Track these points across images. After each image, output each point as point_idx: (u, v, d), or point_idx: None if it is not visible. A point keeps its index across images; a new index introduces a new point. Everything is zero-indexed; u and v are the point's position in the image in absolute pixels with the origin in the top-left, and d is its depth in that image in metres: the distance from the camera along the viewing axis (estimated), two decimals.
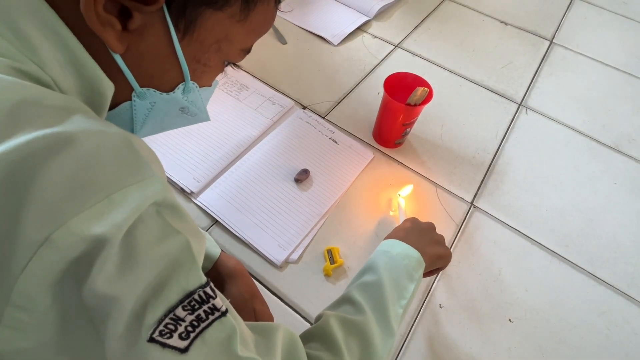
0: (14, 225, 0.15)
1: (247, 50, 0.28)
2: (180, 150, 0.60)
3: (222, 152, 0.61)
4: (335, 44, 0.84)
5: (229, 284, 0.42)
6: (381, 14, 0.93)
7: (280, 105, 0.69)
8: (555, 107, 0.78)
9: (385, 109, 0.61)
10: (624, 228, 0.61)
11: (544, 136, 0.73)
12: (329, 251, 0.52)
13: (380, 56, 0.84)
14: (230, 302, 0.38)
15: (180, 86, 0.26)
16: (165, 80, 0.25)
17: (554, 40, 0.95)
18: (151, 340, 0.17)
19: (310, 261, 0.52)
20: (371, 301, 0.32)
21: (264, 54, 0.80)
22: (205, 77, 0.28)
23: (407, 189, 0.58)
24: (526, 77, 0.84)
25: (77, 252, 0.15)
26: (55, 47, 0.19)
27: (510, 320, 0.50)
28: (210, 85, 0.30)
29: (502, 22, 0.98)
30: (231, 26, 0.24)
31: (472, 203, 0.61)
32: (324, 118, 0.69)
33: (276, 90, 0.73)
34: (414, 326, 0.49)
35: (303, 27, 0.87)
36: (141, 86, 0.24)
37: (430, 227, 0.47)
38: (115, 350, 0.17)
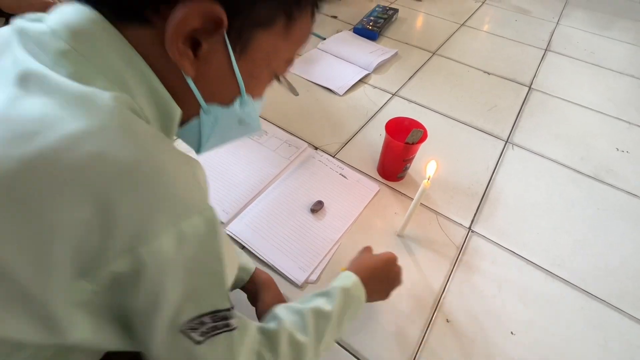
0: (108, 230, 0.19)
1: (291, 61, 0.31)
2: (212, 186, 0.69)
3: (247, 187, 0.70)
4: (341, 94, 0.97)
5: (263, 292, 0.49)
6: (379, 68, 1.08)
7: (296, 147, 0.80)
8: (538, 143, 0.88)
9: (387, 147, 0.71)
10: (611, 248, 0.67)
11: (530, 168, 0.82)
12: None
13: (380, 103, 0.96)
14: (264, 306, 0.44)
15: (238, 100, 0.30)
16: (225, 95, 0.29)
17: (532, 86, 1.08)
18: (182, 331, 0.24)
19: (328, 281, 0.58)
20: (316, 329, 0.36)
21: (280, 103, 0.92)
22: (257, 89, 0.31)
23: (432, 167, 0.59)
24: (510, 118, 0.95)
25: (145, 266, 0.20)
26: (142, 83, 0.24)
27: (512, 332, 0.55)
28: (261, 97, 0.33)
29: (484, 72, 1.12)
30: (277, 41, 0.27)
31: (469, 228, 0.68)
32: (334, 157, 0.79)
33: (291, 134, 0.83)
34: (423, 340, 0.53)
35: (312, 80, 1.01)
36: (206, 103, 0.28)
37: (393, 277, 0.51)
38: (157, 335, 0.23)
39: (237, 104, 0.30)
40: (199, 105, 0.28)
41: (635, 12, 1.65)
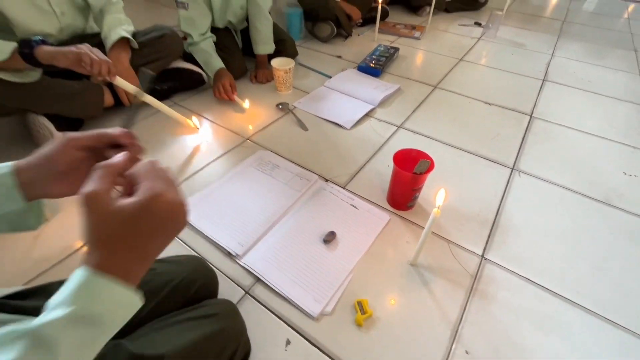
0: None
1: None
2: (226, 220, 0.71)
3: (261, 220, 0.72)
4: (348, 128, 1.01)
5: None
6: (384, 102, 1.13)
7: (307, 180, 0.83)
8: (544, 169, 0.89)
9: (396, 178, 0.73)
10: (627, 273, 0.66)
11: (539, 194, 0.83)
12: (359, 303, 0.58)
13: (386, 135, 1.00)
14: None
15: None
16: None
17: (533, 115, 1.11)
18: None
19: (343, 312, 0.58)
20: None
21: (290, 138, 0.97)
22: None
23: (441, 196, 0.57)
24: (514, 146, 0.98)
25: None
26: None
27: None
28: None
29: (485, 102, 1.17)
30: None
31: (482, 256, 0.68)
32: (344, 188, 0.82)
33: (302, 167, 0.87)
34: None
35: (320, 116, 1.06)
36: None
37: (169, 217, 0.24)
38: None
39: None
40: None
41: (626, 41, 1.72)
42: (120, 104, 1.00)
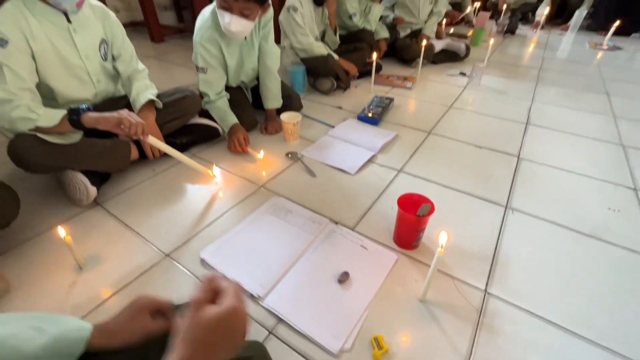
0: None
1: None
2: (247, 263, 0.77)
3: (280, 263, 0.78)
4: (353, 173, 1.11)
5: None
6: (383, 149, 1.24)
7: (319, 223, 0.90)
8: (535, 207, 0.97)
9: (401, 220, 0.80)
10: (623, 303, 0.71)
11: (533, 230, 0.90)
12: (376, 339, 0.62)
13: (388, 179, 1.09)
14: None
15: None
16: None
17: (520, 156, 1.22)
18: None
19: (361, 348, 0.62)
20: None
21: (300, 185, 1.05)
22: None
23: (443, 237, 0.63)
24: (505, 186, 1.06)
25: None
26: None
27: None
28: None
29: (476, 146, 1.28)
30: None
31: (485, 290, 0.73)
32: (353, 230, 0.89)
33: (313, 211, 0.94)
34: None
35: (326, 163, 1.16)
36: None
37: (236, 331, 0.29)
38: None
39: None
40: None
41: (598, 86, 1.90)
42: (144, 157, 1.10)
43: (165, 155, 1.11)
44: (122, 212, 0.94)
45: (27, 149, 0.83)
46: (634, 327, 0.67)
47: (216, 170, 1.06)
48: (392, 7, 2.28)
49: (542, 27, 3.26)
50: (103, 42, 1.01)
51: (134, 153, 1.07)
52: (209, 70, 1.19)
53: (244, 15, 1.04)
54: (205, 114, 1.27)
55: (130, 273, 0.76)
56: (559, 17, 3.44)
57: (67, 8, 0.86)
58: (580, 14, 3.08)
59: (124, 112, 0.87)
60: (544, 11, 3.28)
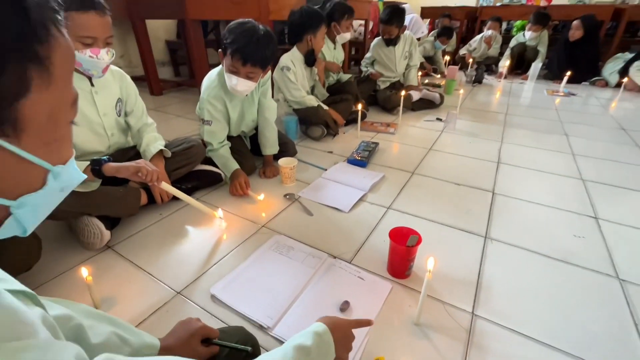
0: None
1: (75, 98, 0.28)
2: (255, 297, 0.83)
3: (285, 295, 0.84)
4: (346, 211, 1.21)
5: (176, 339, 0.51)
6: (373, 188, 1.37)
7: (319, 258, 0.98)
8: (511, 236, 1.09)
9: (393, 251, 0.90)
10: (594, 317, 0.80)
11: (511, 257, 1.00)
12: None
13: (379, 216, 1.20)
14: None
15: (49, 176, 0.27)
16: (32, 181, 0.26)
17: (494, 192, 1.36)
18: None
19: None
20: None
21: (299, 223, 1.14)
22: (63, 149, 0.29)
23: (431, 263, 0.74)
24: (484, 218, 1.19)
25: None
26: None
27: None
28: (71, 152, 0.30)
29: (455, 183, 1.42)
30: (48, 95, 0.24)
31: (472, 312, 0.81)
32: (350, 263, 0.97)
33: (313, 247, 1.03)
34: None
35: (322, 202, 1.27)
36: (14, 199, 0.25)
37: (350, 339, 0.55)
38: None
39: (50, 179, 0.28)
40: (6, 207, 0.26)
41: (557, 128, 2.14)
42: (152, 202, 1.18)
43: (171, 200, 1.19)
44: (133, 254, 1.00)
45: None
46: (603, 338, 0.75)
47: (220, 212, 1.15)
48: (372, 63, 2.57)
49: (505, 77, 3.66)
50: (119, 100, 1.13)
51: (144, 198, 1.16)
52: (213, 123, 1.32)
53: (249, 77, 1.20)
54: (208, 160, 1.38)
55: (145, 311, 0.81)
56: (519, 68, 3.88)
57: (93, 74, 0.99)
58: (536, 66, 3.50)
59: (142, 162, 0.97)
60: (505, 63, 3.71)
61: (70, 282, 0.88)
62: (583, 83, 3.42)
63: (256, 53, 1.15)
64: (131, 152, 1.22)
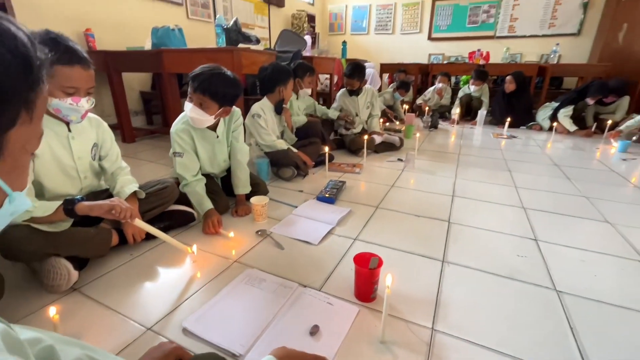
0: None
1: (41, 135, 0.33)
2: (227, 327, 0.85)
3: (257, 324, 0.87)
4: (316, 243, 1.28)
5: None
6: (340, 222, 1.46)
7: (290, 288, 1.02)
8: (464, 259, 1.20)
9: (358, 275, 0.97)
10: (538, 325, 0.90)
11: (464, 277, 1.10)
12: None
13: (346, 246, 1.27)
14: None
15: (6, 199, 0.31)
16: None
17: (450, 221, 1.50)
18: None
19: None
20: None
21: (271, 257, 1.19)
22: (23, 177, 0.33)
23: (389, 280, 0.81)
24: (441, 244, 1.30)
25: None
26: None
27: None
28: (27, 182, 0.34)
29: (415, 215, 1.55)
30: (27, 128, 0.29)
31: (432, 328, 0.88)
32: (319, 290, 1.02)
33: (284, 278, 1.07)
34: None
35: (292, 237, 1.33)
36: None
37: None
38: None
39: (6, 203, 0.32)
40: None
41: (502, 165, 2.41)
42: (124, 243, 1.18)
43: (143, 240, 1.21)
44: (101, 295, 0.99)
45: (20, 239, 0.91)
46: (546, 341, 0.84)
47: (195, 248, 1.17)
48: (340, 110, 2.82)
49: (457, 123, 4.09)
50: (95, 145, 1.19)
51: (115, 239, 1.16)
52: (184, 155, 1.40)
53: (202, 107, 1.32)
54: (181, 200, 1.42)
55: (114, 349, 0.80)
56: (468, 115, 4.37)
57: (72, 119, 1.05)
58: (482, 113, 3.97)
59: (116, 199, 1.01)
60: (456, 111, 4.17)
61: (35, 325, 0.86)
62: (521, 127, 3.90)
63: (206, 83, 1.29)
64: (103, 195, 1.24)
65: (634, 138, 2.98)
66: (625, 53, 4.50)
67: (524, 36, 5.36)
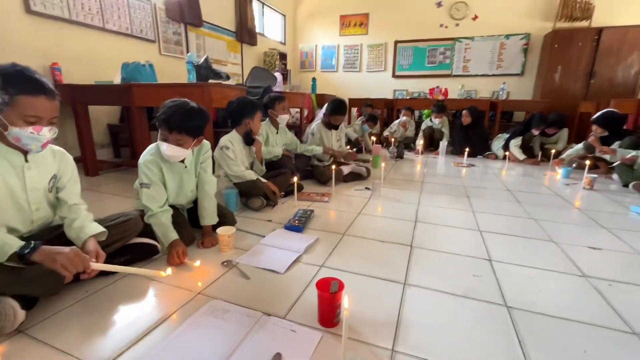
0: None
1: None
2: (190, 358, 0.83)
3: (219, 354, 0.85)
4: (282, 272, 1.29)
5: None
6: (308, 250, 1.48)
7: (254, 317, 1.02)
8: (425, 280, 1.25)
9: (320, 300, 0.99)
10: (492, 339, 0.95)
11: (425, 298, 1.15)
12: None
13: (312, 273, 1.29)
14: None
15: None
16: None
17: (412, 245, 1.57)
18: None
19: None
20: None
21: (236, 287, 1.19)
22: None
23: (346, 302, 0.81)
24: (403, 268, 1.35)
25: None
26: None
27: None
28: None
29: (380, 241, 1.61)
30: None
31: (392, 349, 0.91)
32: (284, 318, 1.02)
33: (248, 308, 1.07)
34: None
35: (259, 266, 1.33)
36: None
37: None
38: None
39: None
40: None
41: (462, 191, 2.57)
42: (78, 279, 1.13)
43: (100, 275, 1.17)
44: (51, 336, 0.93)
45: None
46: (497, 354, 0.89)
47: (169, 271, 1.14)
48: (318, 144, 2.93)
49: (422, 153, 4.34)
50: (54, 177, 1.16)
51: (68, 277, 1.11)
52: (152, 186, 1.39)
53: (179, 144, 1.35)
54: (144, 233, 1.40)
55: None
56: (431, 145, 4.66)
57: (32, 149, 1.02)
58: (443, 144, 4.25)
59: (71, 253, 0.96)
60: (420, 142, 4.44)
61: None
62: (479, 156, 4.20)
63: (182, 122, 1.34)
64: (56, 232, 1.20)
65: (574, 165, 3.30)
66: (562, 91, 5.10)
67: (477, 75, 5.94)
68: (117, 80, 2.63)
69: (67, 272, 0.94)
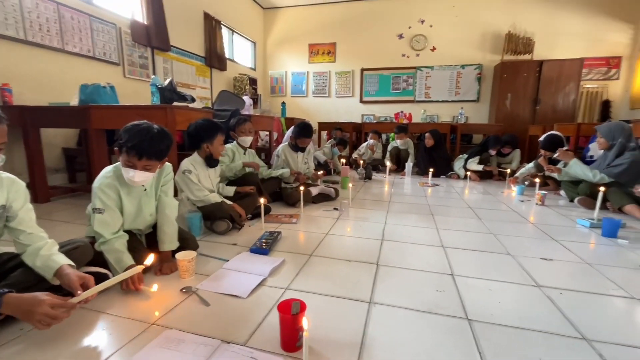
0: None
1: None
2: None
3: None
4: (245, 297, 1.24)
5: None
6: (273, 272, 1.44)
7: (211, 346, 0.96)
8: (390, 299, 1.25)
9: (282, 323, 0.95)
10: (455, 352, 0.95)
11: (390, 316, 1.14)
12: None
13: (277, 297, 1.25)
14: None
15: None
16: None
17: (378, 263, 1.58)
18: None
19: None
20: None
21: (194, 315, 1.12)
22: None
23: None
24: (369, 286, 1.35)
25: None
26: None
27: None
28: None
29: (347, 260, 1.61)
30: None
31: None
32: (244, 345, 0.97)
33: (206, 337, 1.00)
34: None
35: (220, 292, 1.27)
36: None
37: None
38: None
39: None
40: None
41: (426, 210, 2.66)
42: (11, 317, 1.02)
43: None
44: None
45: None
46: None
47: (150, 259, 1.15)
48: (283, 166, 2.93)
49: (389, 174, 4.48)
50: (2, 207, 1.07)
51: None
52: (106, 212, 1.31)
53: (146, 169, 1.30)
54: (95, 262, 1.30)
55: None
56: (399, 166, 4.82)
57: None
58: (409, 165, 4.42)
59: (45, 307, 0.89)
60: (387, 163, 4.59)
61: None
62: (442, 176, 4.40)
63: (151, 148, 1.29)
64: (10, 264, 1.09)
65: (526, 183, 3.55)
66: (513, 116, 5.56)
67: (437, 101, 6.34)
68: (74, 102, 2.52)
69: (46, 327, 0.88)
